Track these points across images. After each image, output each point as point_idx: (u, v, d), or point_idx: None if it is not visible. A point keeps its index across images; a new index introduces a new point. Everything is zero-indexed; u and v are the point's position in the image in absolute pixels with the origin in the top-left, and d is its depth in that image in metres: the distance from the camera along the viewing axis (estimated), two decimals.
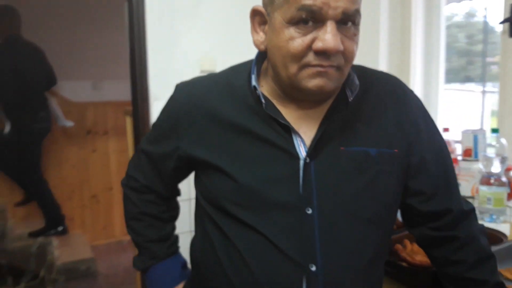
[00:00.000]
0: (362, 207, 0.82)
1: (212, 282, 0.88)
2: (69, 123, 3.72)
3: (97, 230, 4.10)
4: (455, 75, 2.44)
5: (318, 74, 0.75)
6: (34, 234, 3.41)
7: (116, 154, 4.10)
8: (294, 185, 0.80)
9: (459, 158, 1.84)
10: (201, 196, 0.92)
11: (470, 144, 1.79)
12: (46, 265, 3.26)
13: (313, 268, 0.79)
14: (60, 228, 3.59)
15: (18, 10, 3.35)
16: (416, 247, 1.33)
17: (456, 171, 1.80)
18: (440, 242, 0.94)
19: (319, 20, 0.72)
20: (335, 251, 0.80)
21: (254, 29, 0.84)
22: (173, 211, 1.11)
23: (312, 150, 0.81)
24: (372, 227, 0.83)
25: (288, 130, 0.82)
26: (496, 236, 1.31)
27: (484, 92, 2.14)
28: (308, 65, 0.75)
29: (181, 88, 0.93)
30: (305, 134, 0.82)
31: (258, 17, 0.82)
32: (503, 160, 1.56)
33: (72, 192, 3.99)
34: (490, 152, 1.70)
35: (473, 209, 0.97)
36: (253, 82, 0.83)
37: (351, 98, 0.83)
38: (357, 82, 0.84)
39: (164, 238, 1.07)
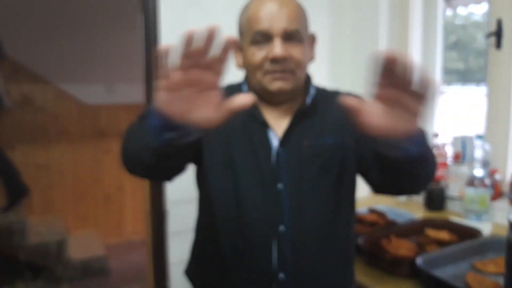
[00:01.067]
0: (319, 183, 1.05)
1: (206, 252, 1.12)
2: (9, 104, 3.61)
3: (109, 229, 4.25)
4: (472, 75, 2.45)
5: (277, 79, 1.02)
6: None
7: None
8: (269, 167, 1.05)
9: (449, 161, 1.96)
10: (198, 184, 1.14)
11: (459, 149, 1.92)
12: (62, 262, 3.43)
13: (282, 228, 1.02)
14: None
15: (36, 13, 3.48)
16: (400, 242, 1.47)
17: (446, 174, 1.94)
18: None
19: (269, 38, 1.00)
20: (300, 216, 1.03)
21: (235, 55, 1.10)
22: None
23: (282, 141, 1.06)
24: (329, 197, 1.06)
25: (265, 126, 1.07)
26: (472, 232, 1.46)
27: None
28: (267, 72, 1.02)
29: None
30: (277, 129, 1.08)
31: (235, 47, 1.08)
32: (484, 164, 1.68)
33: (86, 191, 4.15)
34: (478, 156, 1.82)
35: None
36: (245, 89, 1.12)
37: (308, 101, 1.10)
38: (313, 91, 1.13)
39: None
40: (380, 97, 0.73)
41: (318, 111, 1.11)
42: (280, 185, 1.04)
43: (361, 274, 1.34)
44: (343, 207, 1.10)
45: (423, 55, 2.31)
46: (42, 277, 3.35)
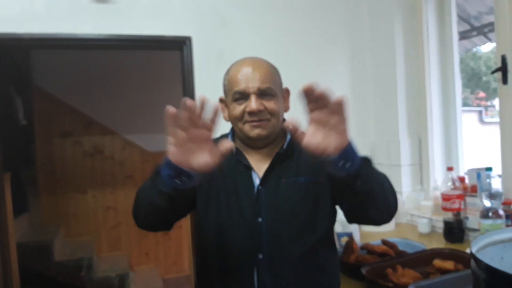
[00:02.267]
0: (295, 216, 1.19)
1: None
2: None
3: (168, 265, 4.52)
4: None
5: (255, 127, 1.20)
6: None
7: None
8: (250, 203, 1.20)
9: (466, 193, 1.98)
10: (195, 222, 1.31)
11: (474, 181, 1.94)
12: None
13: (260, 256, 1.16)
14: None
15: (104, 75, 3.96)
16: (406, 271, 1.53)
17: (463, 206, 1.96)
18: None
19: (246, 96, 1.19)
20: (276, 245, 1.16)
21: (222, 109, 1.28)
22: None
23: (262, 180, 1.21)
24: (305, 230, 1.19)
25: (249, 168, 1.23)
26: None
27: None
28: (246, 121, 1.20)
29: None
30: (259, 170, 1.24)
31: (222, 103, 1.30)
32: (492, 196, 1.71)
33: None
34: (493, 187, 1.84)
35: None
36: (229, 139, 1.31)
37: (285, 147, 1.26)
38: (288, 137, 1.28)
39: None
40: (311, 121, 0.93)
41: (294, 153, 1.25)
42: (259, 219, 1.18)
43: None
44: (317, 235, 1.20)
45: (442, 89, 2.38)
46: None
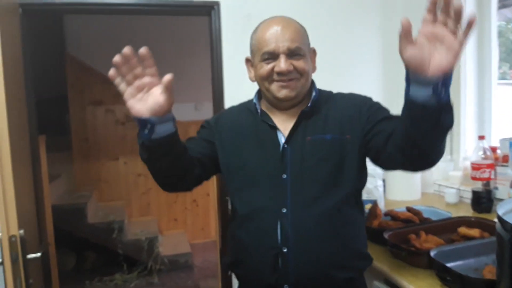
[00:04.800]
0: (319, 172, 1.18)
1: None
2: None
3: (196, 230, 4.63)
4: None
5: (283, 87, 1.19)
6: None
7: None
8: (276, 161, 1.20)
9: (497, 163, 1.91)
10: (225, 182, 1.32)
11: (507, 151, 1.86)
12: (153, 257, 3.84)
13: (284, 210, 1.17)
14: None
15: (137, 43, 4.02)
16: (429, 237, 1.50)
17: (493, 176, 1.90)
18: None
19: (275, 56, 1.18)
20: (300, 201, 1.17)
21: (248, 70, 1.30)
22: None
23: (288, 139, 1.21)
24: (328, 186, 1.18)
25: (274, 128, 1.24)
26: None
27: None
28: (274, 81, 1.19)
29: (213, 117, 1.39)
30: (285, 130, 1.23)
31: (249, 63, 1.29)
32: None
33: (177, 197, 4.57)
34: None
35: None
36: (254, 101, 1.31)
37: (309, 104, 1.24)
38: (314, 95, 1.25)
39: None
40: (423, 33, 0.86)
41: (320, 111, 1.24)
42: (284, 176, 1.19)
43: (385, 266, 1.42)
44: (342, 193, 1.19)
45: (478, 58, 2.27)
46: (136, 269, 3.78)
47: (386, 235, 1.48)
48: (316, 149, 1.19)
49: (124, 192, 4.42)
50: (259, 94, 1.32)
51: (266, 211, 1.19)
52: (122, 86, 1.02)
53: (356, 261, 1.22)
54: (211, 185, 4.55)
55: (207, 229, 4.67)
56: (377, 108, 1.23)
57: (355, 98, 1.29)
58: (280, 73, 1.17)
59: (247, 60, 1.30)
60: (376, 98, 1.29)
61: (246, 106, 1.34)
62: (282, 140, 1.22)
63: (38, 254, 1.33)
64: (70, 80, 4.25)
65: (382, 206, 1.98)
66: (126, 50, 1.00)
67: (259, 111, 1.27)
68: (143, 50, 1.00)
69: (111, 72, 0.99)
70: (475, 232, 1.50)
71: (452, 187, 2.13)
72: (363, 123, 1.20)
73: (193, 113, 4.62)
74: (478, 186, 1.92)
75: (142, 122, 1.03)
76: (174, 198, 4.56)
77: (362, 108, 1.23)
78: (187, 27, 4.27)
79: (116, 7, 2.20)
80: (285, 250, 1.16)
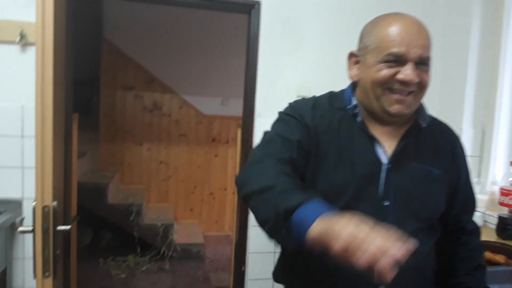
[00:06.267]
0: (422, 208, 1.03)
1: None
2: None
3: (210, 222, 4.63)
4: None
5: (398, 102, 0.98)
6: None
7: (233, 160, 4.61)
8: (376, 183, 1.00)
9: None
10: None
11: None
12: (167, 243, 3.85)
13: None
14: None
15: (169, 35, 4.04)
16: None
17: None
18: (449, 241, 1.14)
19: (402, 61, 0.96)
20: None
21: (350, 66, 1.08)
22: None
23: (392, 159, 1.02)
24: (427, 225, 1.04)
25: (373, 140, 1.03)
26: None
27: None
28: (390, 89, 0.98)
29: (302, 101, 1.10)
30: (387, 146, 1.04)
31: (353, 58, 1.08)
32: None
33: (195, 187, 4.58)
34: None
35: (476, 228, 1.21)
36: (354, 102, 1.06)
37: (425, 125, 1.05)
38: (428, 114, 1.08)
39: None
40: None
41: (429, 137, 1.08)
42: (386, 203, 1.00)
43: None
44: (437, 234, 1.09)
45: None
46: (149, 254, 3.80)
47: None
48: (423, 180, 1.03)
49: (145, 177, 4.45)
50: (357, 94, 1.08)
51: None
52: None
53: None
54: (229, 179, 4.59)
55: (221, 223, 4.66)
56: (467, 176, 1.16)
57: (451, 134, 1.16)
58: (404, 83, 0.96)
59: (352, 55, 1.08)
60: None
61: (336, 105, 1.09)
62: (383, 157, 1.02)
63: (68, 227, 1.33)
64: (104, 63, 4.28)
65: None
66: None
67: (359, 118, 1.05)
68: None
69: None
70: (500, 258, 1.45)
71: (477, 211, 2.06)
72: (455, 174, 1.10)
73: (219, 108, 4.63)
74: (505, 212, 1.85)
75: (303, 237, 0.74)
76: (192, 189, 4.57)
77: (462, 156, 1.13)
78: (220, 24, 4.27)
79: None
80: None
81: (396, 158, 1.02)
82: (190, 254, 3.88)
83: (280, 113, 1.11)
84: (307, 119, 1.04)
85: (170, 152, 4.52)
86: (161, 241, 3.83)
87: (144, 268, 3.63)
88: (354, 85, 1.10)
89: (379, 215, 0.95)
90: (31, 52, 1.97)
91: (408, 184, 1.01)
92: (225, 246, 4.22)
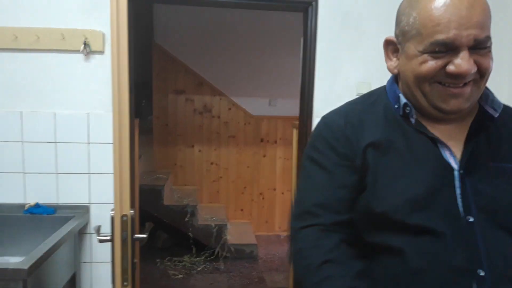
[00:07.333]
0: None
1: None
2: None
3: (260, 222, 4.60)
4: None
5: (453, 96, 0.78)
6: None
7: (281, 160, 4.56)
8: (451, 195, 0.79)
9: None
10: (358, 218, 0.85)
11: None
12: (221, 244, 3.85)
13: (482, 274, 0.75)
14: None
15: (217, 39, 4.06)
16: None
17: None
18: None
19: (452, 49, 0.76)
20: (498, 257, 0.77)
21: (387, 56, 0.89)
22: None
23: (463, 162, 0.81)
24: None
25: (435, 142, 0.82)
26: None
27: None
28: (439, 82, 0.78)
29: (334, 116, 0.92)
30: (454, 147, 0.82)
31: (391, 46, 0.88)
32: None
33: (245, 188, 4.57)
34: None
35: None
36: (403, 100, 0.85)
37: (497, 115, 0.83)
38: (499, 101, 0.84)
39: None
40: None
41: (502, 127, 0.86)
42: (470, 218, 0.78)
43: None
44: None
45: None
46: (203, 254, 3.81)
47: None
48: (506, 182, 0.81)
49: (197, 178, 4.49)
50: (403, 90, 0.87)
51: (452, 272, 0.75)
52: None
53: None
54: (277, 179, 4.55)
55: (271, 222, 4.63)
56: None
57: None
58: (456, 76, 0.76)
59: (388, 43, 0.88)
60: None
61: (377, 108, 0.89)
62: (451, 161, 0.81)
63: (145, 235, 1.32)
64: (156, 68, 4.35)
65: None
66: None
67: (413, 118, 0.83)
68: None
69: None
70: None
71: None
72: None
73: (267, 108, 4.61)
74: None
75: None
76: (241, 189, 4.57)
77: None
78: (267, 24, 4.23)
79: None
80: None
81: (468, 160, 0.81)
82: (244, 254, 3.86)
83: (307, 153, 0.91)
84: (340, 147, 0.85)
85: (220, 153, 4.54)
86: (215, 241, 3.84)
87: (200, 268, 3.64)
88: (395, 78, 0.91)
89: (465, 236, 0.77)
90: (95, 60, 2.00)
91: (489, 189, 0.80)
92: (276, 246, 4.17)
